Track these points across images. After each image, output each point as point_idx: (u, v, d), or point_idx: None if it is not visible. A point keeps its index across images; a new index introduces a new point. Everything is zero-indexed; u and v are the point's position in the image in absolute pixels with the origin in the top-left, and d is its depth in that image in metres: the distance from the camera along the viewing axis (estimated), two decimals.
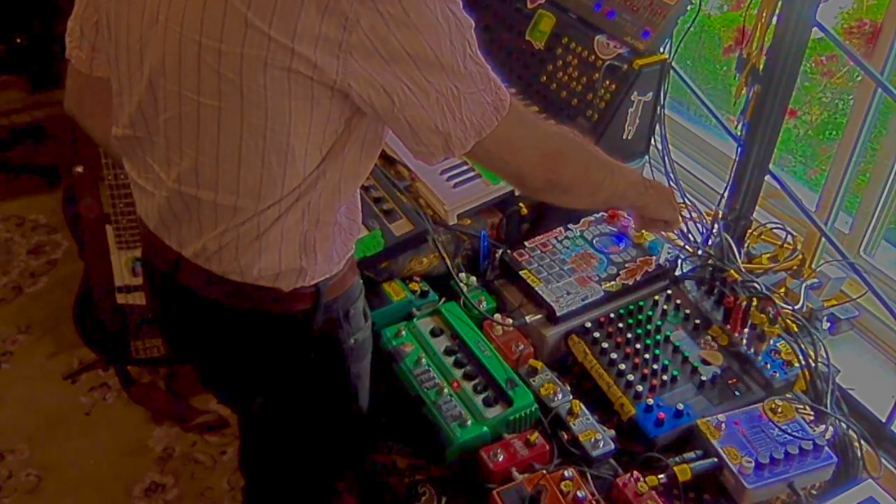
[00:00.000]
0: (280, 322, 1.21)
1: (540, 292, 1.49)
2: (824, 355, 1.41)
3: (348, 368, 1.31)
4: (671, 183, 1.85)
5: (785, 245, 1.78)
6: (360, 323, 1.29)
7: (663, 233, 1.51)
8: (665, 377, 1.36)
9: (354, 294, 1.27)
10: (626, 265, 1.55)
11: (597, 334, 1.44)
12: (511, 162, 1.12)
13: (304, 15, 0.93)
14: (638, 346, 1.41)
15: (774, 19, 1.59)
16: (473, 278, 1.55)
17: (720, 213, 1.78)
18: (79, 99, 1.29)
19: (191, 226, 1.15)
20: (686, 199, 1.84)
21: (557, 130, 1.19)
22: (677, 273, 1.57)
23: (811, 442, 1.24)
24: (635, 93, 1.70)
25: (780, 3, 1.57)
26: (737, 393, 1.34)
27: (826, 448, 1.24)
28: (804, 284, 1.66)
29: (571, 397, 1.32)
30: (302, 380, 1.29)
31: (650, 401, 1.31)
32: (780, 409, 1.28)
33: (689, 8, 1.71)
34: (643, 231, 1.58)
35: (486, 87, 1.03)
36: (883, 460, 1.33)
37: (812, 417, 1.31)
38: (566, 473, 1.17)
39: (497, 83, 1.05)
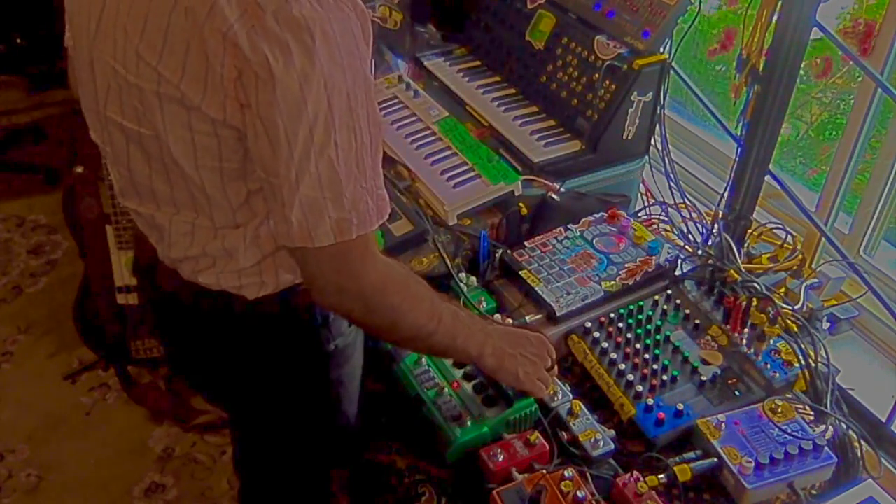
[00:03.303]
0: (250, 325, 1.20)
1: (540, 292, 1.49)
2: (824, 355, 1.41)
3: (328, 374, 1.29)
4: (671, 183, 1.85)
5: (785, 245, 1.79)
6: (342, 329, 1.27)
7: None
8: (665, 377, 1.36)
9: None
10: (626, 265, 1.55)
11: (597, 334, 1.44)
12: (307, 271, 1.06)
13: (190, 56, 0.93)
14: (638, 346, 1.41)
15: (774, 19, 1.60)
16: (473, 278, 1.55)
17: (720, 213, 1.78)
18: (75, 84, 1.30)
19: (152, 232, 1.17)
20: (686, 199, 1.84)
21: (385, 276, 1.09)
22: (677, 273, 1.57)
23: (811, 442, 1.24)
24: (635, 93, 1.70)
25: (779, 3, 1.57)
26: (737, 393, 1.34)
27: (826, 448, 1.24)
28: (804, 284, 1.66)
29: (571, 397, 1.32)
30: (281, 383, 1.28)
31: (650, 401, 1.31)
32: (780, 409, 1.28)
33: (688, 8, 1.71)
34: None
35: (334, 197, 0.96)
36: (883, 460, 1.33)
37: (812, 417, 1.31)
38: (566, 473, 1.17)
39: (354, 204, 0.98)
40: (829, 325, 1.67)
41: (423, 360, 1.38)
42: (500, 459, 1.22)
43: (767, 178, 1.76)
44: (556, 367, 1.32)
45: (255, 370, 1.26)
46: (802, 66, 1.64)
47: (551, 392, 1.31)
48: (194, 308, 1.20)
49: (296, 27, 0.89)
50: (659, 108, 1.78)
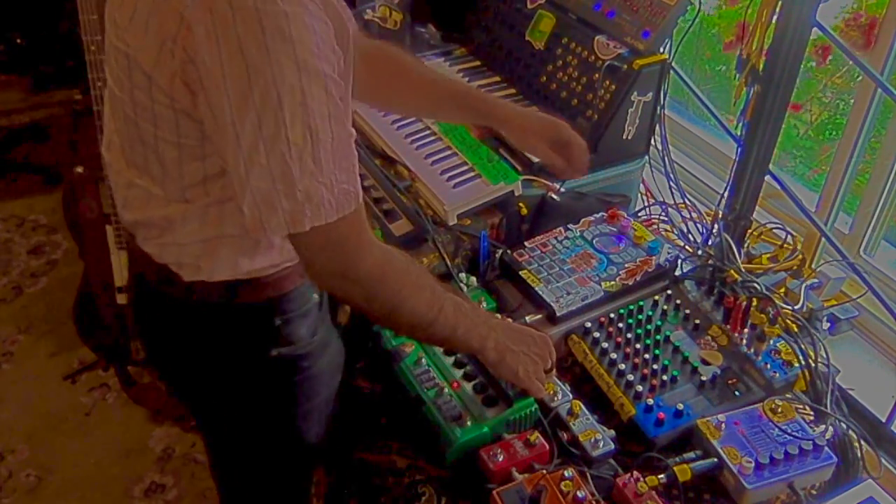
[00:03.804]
0: (189, 311, 1.21)
1: (540, 292, 1.48)
2: (824, 355, 1.41)
3: (269, 383, 1.27)
4: (671, 183, 1.85)
5: (785, 245, 1.78)
6: (294, 337, 1.24)
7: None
8: (665, 377, 1.36)
9: (282, 307, 1.22)
10: (626, 265, 1.55)
11: (597, 334, 1.44)
12: (301, 254, 1.08)
13: (150, 30, 0.96)
14: (638, 346, 1.41)
15: (774, 19, 1.60)
16: (473, 278, 1.55)
17: (720, 213, 1.78)
18: None
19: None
20: (686, 199, 1.84)
21: (383, 264, 1.10)
22: (677, 273, 1.57)
23: (811, 442, 1.24)
24: (635, 93, 1.70)
25: (780, 3, 1.57)
26: (737, 393, 1.34)
27: (826, 448, 1.24)
28: (804, 284, 1.66)
29: (571, 397, 1.32)
30: (221, 383, 1.27)
31: (650, 401, 1.31)
32: (780, 409, 1.28)
33: (688, 8, 1.71)
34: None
35: (287, 190, 0.96)
36: (883, 460, 1.33)
37: (812, 417, 1.31)
38: (566, 473, 1.17)
39: (309, 197, 0.97)
40: (829, 325, 1.67)
41: (423, 360, 1.38)
42: (500, 459, 1.22)
43: (767, 178, 1.76)
44: (555, 369, 1.33)
45: (195, 363, 1.27)
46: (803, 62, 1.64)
47: (551, 392, 1.31)
48: (147, 282, 1.22)
49: (248, 18, 0.89)
50: (659, 108, 1.78)
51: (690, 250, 1.65)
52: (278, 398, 1.30)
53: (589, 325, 1.45)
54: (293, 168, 0.96)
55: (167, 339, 1.29)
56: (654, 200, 1.91)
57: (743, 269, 1.58)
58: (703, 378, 1.36)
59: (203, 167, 1.05)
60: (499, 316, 1.44)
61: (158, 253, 1.16)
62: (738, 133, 1.74)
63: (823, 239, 1.78)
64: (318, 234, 1.02)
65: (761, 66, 1.64)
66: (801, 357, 1.38)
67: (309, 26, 0.92)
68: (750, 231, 1.81)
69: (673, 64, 1.78)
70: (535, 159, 1.70)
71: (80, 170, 2.18)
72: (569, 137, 1.50)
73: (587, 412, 1.30)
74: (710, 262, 1.58)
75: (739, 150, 1.75)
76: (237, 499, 1.54)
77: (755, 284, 1.49)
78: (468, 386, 1.34)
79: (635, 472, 1.19)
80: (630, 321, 1.46)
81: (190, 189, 1.08)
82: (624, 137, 1.75)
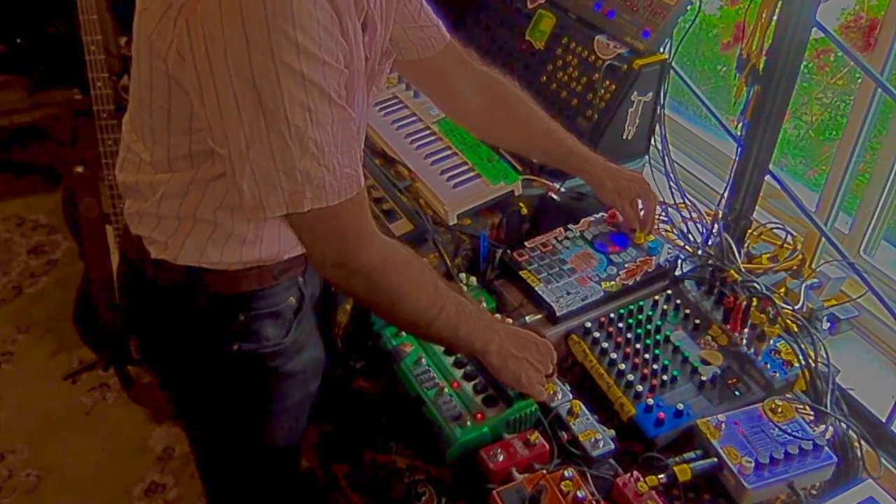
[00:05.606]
0: (158, 292, 1.22)
1: (540, 292, 1.48)
2: (824, 355, 1.41)
3: (235, 375, 1.26)
4: (671, 183, 1.85)
5: (785, 245, 1.79)
6: (258, 336, 1.23)
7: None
8: (665, 377, 1.36)
9: (249, 304, 1.22)
10: (626, 265, 1.54)
11: (597, 334, 1.44)
12: (304, 241, 1.09)
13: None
14: (638, 346, 1.41)
15: (774, 19, 1.60)
16: (473, 278, 1.55)
17: (720, 213, 1.78)
18: None
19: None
20: (686, 199, 1.84)
21: (385, 256, 1.11)
22: (677, 273, 1.57)
23: (811, 442, 1.24)
24: (635, 93, 1.70)
25: (780, 3, 1.57)
26: (737, 393, 1.34)
27: (826, 448, 1.24)
28: (804, 284, 1.66)
29: (571, 397, 1.32)
30: (190, 365, 1.27)
31: (650, 401, 1.31)
32: (780, 409, 1.28)
33: (689, 8, 1.71)
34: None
35: (286, 169, 0.97)
36: (883, 460, 1.33)
37: (812, 417, 1.31)
38: (566, 473, 1.17)
39: (309, 179, 0.98)
40: (829, 325, 1.67)
41: (423, 359, 1.38)
42: (500, 459, 1.21)
43: (767, 178, 1.76)
44: (555, 375, 1.33)
45: (165, 346, 1.28)
46: (804, 63, 1.64)
47: (551, 392, 1.31)
48: (128, 260, 1.24)
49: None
50: (659, 108, 1.78)
51: (690, 250, 1.65)
52: (244, 393, 1.30)
53: (589, 325, 1.45)
54: (293, 148, 0.96)
55: (143, 319, 1.30)
56: None
57: (743, 269, 1.58)
58: (703, 378, 1.36)
59: (189, 141, 1.07)
60: (498, 316, 1.44)
61: (136, 223, 1.18)
62: (738, 133, 1.74)
63: (823, 239, 1.79)
64: (321, 221, 1.03)
65: (761, 66, 1.64)
66: (801, 357, 1.38)
67: (312, 14, 0.93)
68: (750, 231, 1.81)
69: (673, 64, 1.78)
70: (536, 160, 1.70)
71: (80, 170, 2.18)
72: (645, 195, 1.56)
73: (587, 412, 1.30)
74: (710, 262, 1.58)
75: (739, 150, 1.75)
76: (218, 492, 1.54)
77: (755, 284, 1.49)
78: (468, 386, 1.34)
79: (635, 472, 1.19)
80: (630, 321, 1.46)
81: (175, 160, 1.10)
82: (624, 137, 1.75)
